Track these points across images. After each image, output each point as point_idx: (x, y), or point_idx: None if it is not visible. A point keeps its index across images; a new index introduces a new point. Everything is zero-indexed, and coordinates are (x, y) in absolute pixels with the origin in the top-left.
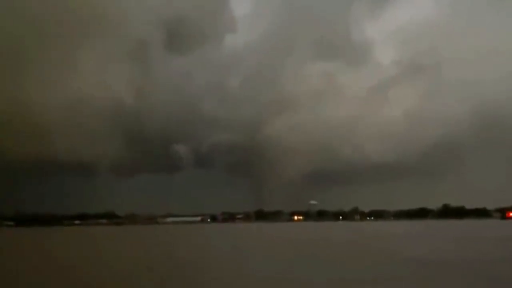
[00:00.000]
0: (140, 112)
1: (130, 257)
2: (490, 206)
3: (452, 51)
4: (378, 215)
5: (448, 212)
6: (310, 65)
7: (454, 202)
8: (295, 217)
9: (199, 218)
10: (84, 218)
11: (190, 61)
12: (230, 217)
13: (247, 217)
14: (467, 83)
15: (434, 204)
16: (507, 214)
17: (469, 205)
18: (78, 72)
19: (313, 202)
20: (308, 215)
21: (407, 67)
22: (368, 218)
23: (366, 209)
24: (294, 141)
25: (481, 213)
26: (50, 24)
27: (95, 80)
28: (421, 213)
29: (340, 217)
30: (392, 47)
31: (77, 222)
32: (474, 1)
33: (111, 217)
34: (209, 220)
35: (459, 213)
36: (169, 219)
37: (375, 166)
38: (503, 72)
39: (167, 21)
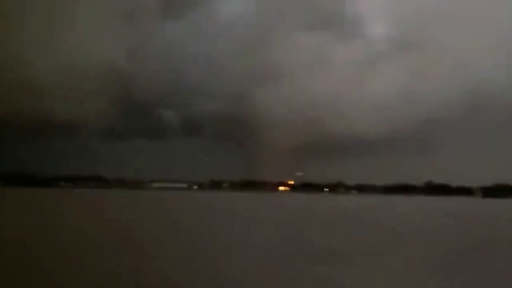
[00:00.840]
0: (131, 76)
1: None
2: (474, 184)
3: (442, 31)
4: (363, 189)
5: (432, 189)
6: (300, 36)
7: (439, 180)
8: (281, 188)
9: (185, 185)
10: (72, 180)
11: (181, 28)
12: (216, 185)
13: (233, 186)
14: (456, 63)
15: (419, 180)
16: None
17: (453, 183)
18: (71, 32)
19: (299, 173)
20: (294, 187)
21: (397, 44)
22: (353, 191)
23: (351, 183)
24: (281, 112)
25: (464, 191)
26: None
27: (89, 40)
28: (405, 189)
29: (325, 189)
30: (384, 23)
31: (63, 184)
32: None
33: (99, 180)
34: (195, 187)
35: (443, 190)
36: (155, 185)
37: (362, 141)
38: (492, 53)
39: None
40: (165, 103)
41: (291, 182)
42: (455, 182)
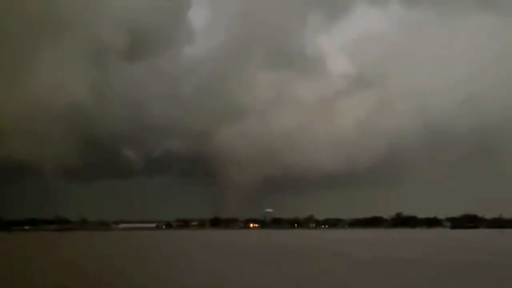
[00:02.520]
0: (94, 116)
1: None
2: (441, 215)
3: (400, 64)
4: (333, 223)
5: (401, 221)
6: (263, 75)
7: (406, 211)
8: (251, 225)
9: (153, 225)
10: (34, 223)
11: (146, 69)
12: (184, 224)
13: (202, 224)
14: (415, 95)
15: (387, 213)
16: None
17: (420, 214)
18: (34, 74)
19: (268, 210)
20: (263, 223)
21: (357, 79)
22: (323, 226)
23: (321, 217)
24: (245, 149)
25: (432, 222)
26: (5, 23)
27: (52, 82)
28: (374, 222)
29: (296, 225)
30: (344, 59)
31: (27, 227)
32: (422, 16)
33: (63, 223)
34: (164, 226)
35: (411, 222)
36: (122, 225)
37: (328, 175)
38: (449, 83)
39: (126, 27)
40: (129, 143)
41: (261, 219)
42: (422, 214)
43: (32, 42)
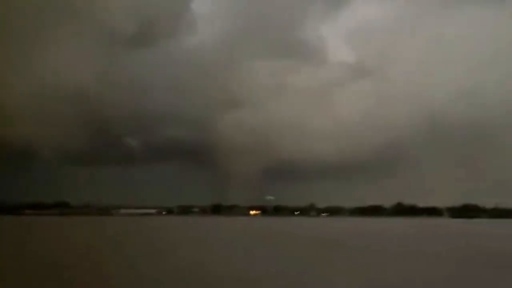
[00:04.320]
0: (99, 101)
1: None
2: (441, 205)
3: (400, 55)
4: (334, 211)
5: (402, 210)
6: (264, 64)
7: (406, 201)
8: (252, 212)
9: (154, 211)
10: (36, 207)
11: (150, 57)
12: (185, 211)
13: (203, 211)
14: (414, 86)
15: (388, 202)
16: None
17: (421, 204)
18: (42, 58)
19: (269, 197)
20: (264, 210)
21: (358, 68)
22: (323, 214)
23: (322, 206)
24: (247, 137)
25: (432, 211)
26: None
27: (60, 66)
28: (375, 210)
29: (296, 213)
30: (344, 49)
31: (28, 211)
32: (423, 7)
33: (65, 207)
34: (164, 213)
35: (412, 211)
36: (123, 211)
37: (329, 164)
38: (448, 75)
39: (132, 15)
40: (132, 130)
41: (262, 206)
42: (422, 203)
43: (42, 26)
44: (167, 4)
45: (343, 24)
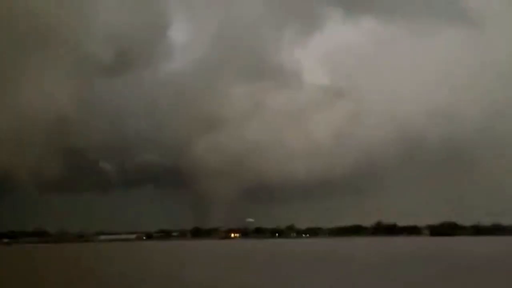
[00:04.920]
0: (74, 129)
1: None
2: (420, 223)
3: (373, 77)
4: (314, 232)
5: (381, 229)
6: (239, 88)
7: (386, 220)
8: (232, 235)
9: (133, 236)
10: (13, 236)
11: (126, 83)
12: (166, 235)
13: (183, 235)
14: (388, 106)
15: (367, 221)
16: None
17: (400, 222)
18: (20, 85)
19: (250, 219)
20: (245, 233)
21: (332, 90)
22: (304, 235)
23: (302, 227)
24: (224, 160)
25: (411, 230)
26: None
27: (37, 93)
28: (354, 230)
29: (277, 234)
30: (319, 71)
31: (5, 240)
32: (393, 30)
33: (42, 235)
34: (144, 238)
35: (391, 230)
36: (102, 237)
37: (307, 185)
38: (421, 95)
39: (110, 42)
40: (108, 156)
41: (242, 228)
42: (402, 222)
43: (18, 54)
44: (144, 32)
45: (317, 47)
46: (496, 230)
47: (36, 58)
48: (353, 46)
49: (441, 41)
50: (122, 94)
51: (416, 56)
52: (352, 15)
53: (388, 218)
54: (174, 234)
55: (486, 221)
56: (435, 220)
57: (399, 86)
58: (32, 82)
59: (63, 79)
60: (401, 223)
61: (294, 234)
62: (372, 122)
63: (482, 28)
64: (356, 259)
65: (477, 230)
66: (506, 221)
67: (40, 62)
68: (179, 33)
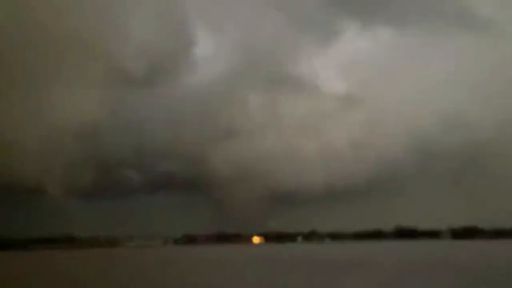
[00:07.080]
0: (102, 140)
1: None
2: (441, 227)
3: (390, 85)
4: (335, 236)
5: (402, 233)
6: (258, 98)
7: (406, 224)
8: (256, 239)
9: (160, 241)
10: (44, 242)
11: (152, 95)
12: (191, 240)
13: (208, 239)
14: (404, 114)
15: (388, 226)
16: None
17: (421, 226)
18: (50, 96)
19: (272, 224)
20: (267, 237)
21: (349, 99)
22: (325, 239)
23: (324, 231)
24: (246, 167)
25: (432, 234)
26: (28, 46)
27: (68, 104)
28: (376, 235)
29: (299, 239)
30: (336, 80)
31: (35, 246)
32: (410, 39)
33: (72, 241)
34: (171, 243)
35: (412, 234)
36: (131, 243)
37: (325, 191)
38: (437, 102)
39: (141, 55)
40: (134, 164)
41: (265, 233)
42: (422, 226)
43: (52, 65)
44: (171, 45)
45: (334, 57)
46: None
47: (69, 69)
48: (369, 56)
49: (455, 49)
50: (147, 106)
51: (430, 64)
52: (369, 26)
53: (408, 222)
54: (199, 238)
55: (507, 224)
56: (455, 223)
57: (414, 94)
58: (64, 93)
59: (92, 90)
60: (422, 227)
61: (316, 238)
62: (389, 130)
63: (495, 35)
64: (380, 264)
65: (498, 233)
66: None
67: (72, 73)
68: (202, 46)
